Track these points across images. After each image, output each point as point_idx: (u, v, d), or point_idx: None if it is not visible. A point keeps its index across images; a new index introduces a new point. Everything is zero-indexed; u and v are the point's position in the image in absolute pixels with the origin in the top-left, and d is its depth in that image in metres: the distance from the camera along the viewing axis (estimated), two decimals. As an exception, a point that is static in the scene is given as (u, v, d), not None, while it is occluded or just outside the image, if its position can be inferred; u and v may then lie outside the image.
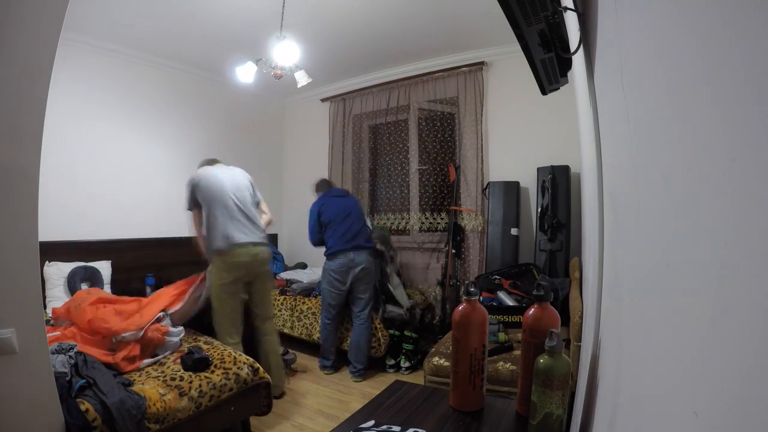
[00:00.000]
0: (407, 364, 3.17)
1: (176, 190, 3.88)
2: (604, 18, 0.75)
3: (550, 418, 0.79)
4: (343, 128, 4.43)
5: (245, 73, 2.86)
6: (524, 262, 3.24)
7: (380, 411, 0.98)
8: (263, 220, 2.68)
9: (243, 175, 2.67)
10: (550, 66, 1.30)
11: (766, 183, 0.21)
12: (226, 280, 2.44)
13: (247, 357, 2.12)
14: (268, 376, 2.13)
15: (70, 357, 1.74)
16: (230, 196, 2.50)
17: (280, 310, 3.70)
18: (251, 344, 2.70)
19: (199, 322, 2.62)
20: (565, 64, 1.32)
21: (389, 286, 3.30)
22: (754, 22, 0.22)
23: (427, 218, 4.02)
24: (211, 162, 2.73)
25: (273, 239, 4.84)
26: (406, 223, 4.14)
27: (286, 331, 3.64)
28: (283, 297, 3.77)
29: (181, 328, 2.29)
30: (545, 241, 3.02)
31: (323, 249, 3.12)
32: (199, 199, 2.49)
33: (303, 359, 3.38)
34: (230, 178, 2.57)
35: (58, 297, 2.90)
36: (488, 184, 3.49)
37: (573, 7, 0.98)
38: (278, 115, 5.11)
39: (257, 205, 2.68)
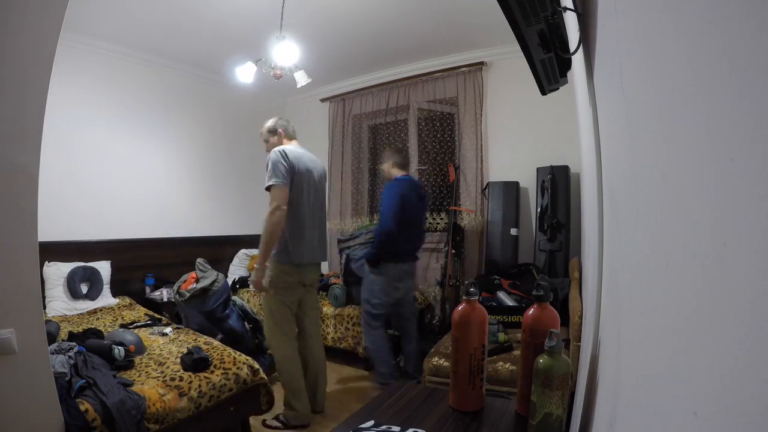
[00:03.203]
0: (407, 364, 3.17)
1: (176, 189, 3.90)
2: (603, 18, 0.75)
3: (550, 418, 0.79)
4: (342, 128, 4.43)
5: (245, 73, 2.86)
6: (524, 262, 3.25)
7: (380, 411, 0.98)
8: None
9: (321, 166, 2.45)
10: (549, 66, 1.30)
11: (766, 183, 0.21)
12: (289, 284, 2.30)
13: (247, 357, 2.12)
14: (266, 377, 2.12)
15: (70, 357, 1.74)
16: (313, 194, 2.33)
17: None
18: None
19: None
20: (565, 65, 1.32)
21: None
22: (752, 23, 0.22)
23: (426, 218, 4.01)
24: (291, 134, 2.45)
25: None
26: (406, 223, 4.14)
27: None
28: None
29: None
30: (545, 241, 3.02)
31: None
32: (293, 186, 2.19)
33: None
34: (316, 169, 2.35)
35: (57, 297, 2.90)
36: (488, 184, 3.49)
37: (572, 8, 0.98)
38: (278, 115, 5.09)
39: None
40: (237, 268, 4.26)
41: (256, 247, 2.30)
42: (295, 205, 2.23)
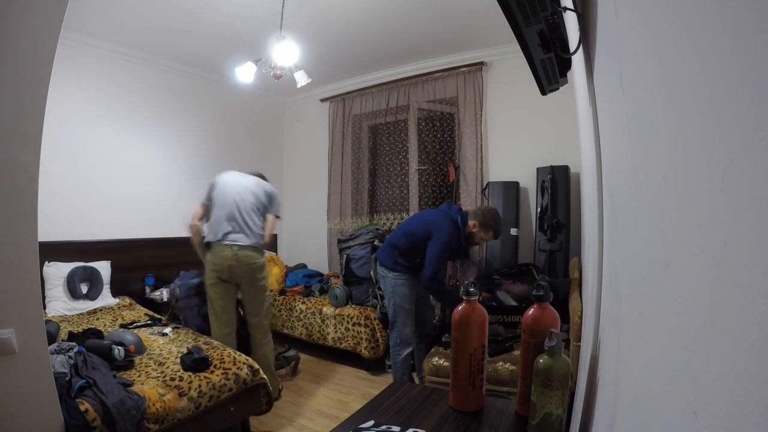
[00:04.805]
0: (407, 364, 3.16)
1: (176, 190, 3.90)
2: (603, 18, 0.75)
3: (550, 418, 0.79)
4: (342, 128, 4.44)
5: (245, 73, 2.86)
6: (524, 262, 3.24)
7: (380, 411, 0.98)
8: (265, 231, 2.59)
9: (256, 183, 2.63)
10: (549, 66, 1.31)
11: (766, 183, 0.21)
12: (212, 281, 2.45)
13: (247, 357, 2.12)
14: (265, 377, 2.13)
15: (70, 357, 1.74)
16: (232, 197, 2.51)
17: (279, 311, 3.70)
18: (246, 348, 2.61)
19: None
20: (565, 65, 1.32)
21: None
22: (752, 23, 0.22)
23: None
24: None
25: (272, 239, 4.83)
26: (406, 223, 4.14)
27: (285, 331, 3.64)
28: (282, 297, 3.77)
29: None
30: (545, 241, 3.02)
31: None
32: (211, 197, 2.56)
33: (303, 359, 3.38)
34: (238, 182, 2.60)
35: (57, 297, 2.90)
36: (488, 184, 3.49)
37: (572, 8, 0.98)
38: (278, 115, 5.11)
39: (262, 215, 2.60)
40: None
41: None
42: None
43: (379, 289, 3.30)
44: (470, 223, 2.44)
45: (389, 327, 2.73)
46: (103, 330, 2.40)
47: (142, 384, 1.76)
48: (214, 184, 2.61)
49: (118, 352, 1.93)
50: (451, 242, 2.42)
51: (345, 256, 3.51)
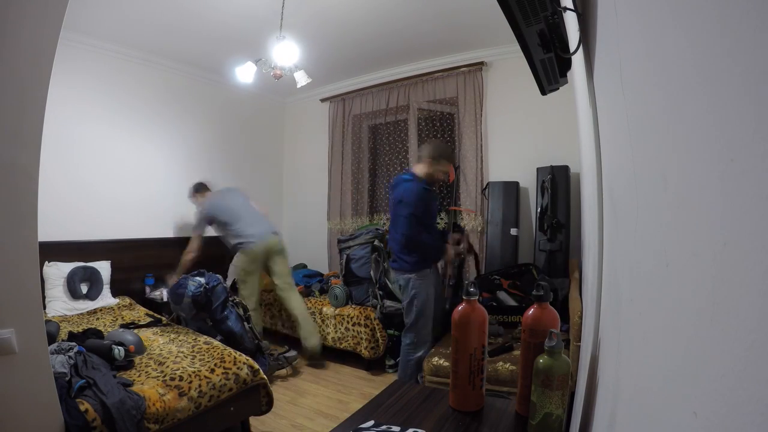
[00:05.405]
0: (407, 364, 3.16)
1: (176, 190, 3.90)
2: (603, 18, 0.75)
3: (550, 418, 0.79)
4: (342, 128, 4.43)
5: (245, 73, 2.86)
6: (524, 262, 3.24)
7: (380, 411, 0.98)
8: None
9: (237, 193, 3.46)
10: (549, 66, 1.31)
11: (766, 183, 0.21)
12: (249, 267, 3.19)
13: (247, 357, 2.12)
14: (266, 378, 2.13)
15: (70, 357, 1.74)
16: (238, 208, 3.27)
17: (279, 311, 3.70)
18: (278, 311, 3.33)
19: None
20: (565, 65, 1.32)
21: (387, 281, 3.29)
22: (751, 24, 0.22)
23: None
24: (202, 187, 3.55)
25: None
26: (406, 223, 4.13)
27: (285, 331, 3.65)
28: (282, 297, 3.77)
29: None
30: (545, 241, 3.02)
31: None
32: (217, 221, 3.26)
33: (302, 359, 3.38)
34: (227, 196, 3.39)
35: (57, 297, 2.90)
36: (488, 184, 3.49)
37: (572, 8, 0.98)
38: (278, 115, 5.11)
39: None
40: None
41: None
42: None
43: (380, 289, 3.30)
44: (421, 164, 2.44)
45: (405, 327, 2.66)
46: (103, 330, 2.40)
47: (142, 384, 1.76)
48: (208, 209, 3.27)
49: (118, 352, 1.93)
50: (413, 196, 2.36)
51: (345, 256, 3.51)
